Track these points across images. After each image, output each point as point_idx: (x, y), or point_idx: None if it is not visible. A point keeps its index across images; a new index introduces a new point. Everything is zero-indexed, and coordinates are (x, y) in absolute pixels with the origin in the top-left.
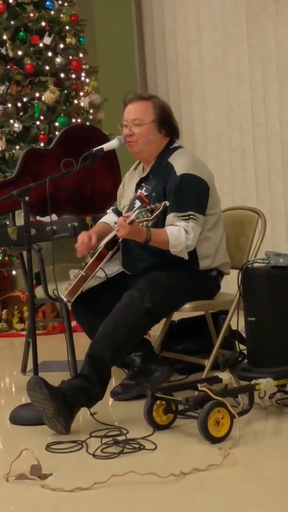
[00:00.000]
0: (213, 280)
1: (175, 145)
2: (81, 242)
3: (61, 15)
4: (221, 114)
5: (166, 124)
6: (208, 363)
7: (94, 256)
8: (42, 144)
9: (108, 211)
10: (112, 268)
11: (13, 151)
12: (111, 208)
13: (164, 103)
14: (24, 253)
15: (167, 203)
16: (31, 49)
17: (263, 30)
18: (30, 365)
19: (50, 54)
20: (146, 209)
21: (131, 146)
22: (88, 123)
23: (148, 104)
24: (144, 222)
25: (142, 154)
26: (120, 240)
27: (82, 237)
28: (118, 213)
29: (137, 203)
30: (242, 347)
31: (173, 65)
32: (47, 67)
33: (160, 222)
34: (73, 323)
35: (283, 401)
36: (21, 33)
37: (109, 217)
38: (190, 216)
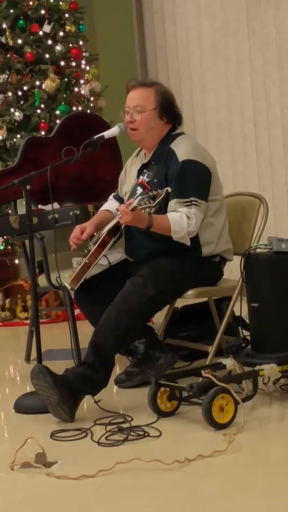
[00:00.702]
0: (216, 267)
1: (177, 131)
2: (72, 235)
3: (61, 3)
4: (221, 100)
5: (168, 111)
6: (211, 349)
7: (97, 244)
8: (43, 133)
9: (109, 198)
10: (115, 255)
11: (14, 139)
12: (113, 194)
13: (166, 90)
14: (27, 242)
15: (169, 189)
16: (31, 37)
17: (263, 15)
18: (34, 354)
19: (50, 42)
20: (148, 196)
21: (133, 135)
22: (88, 111)
23: (150, 91)
24: (147, 209)
25: (143, 142)
26: (122, 227)
27: (75, 230)
28: (120, 199)
29: (139, 190)
30: (246, 333)
31: (173, 51)
32: (47, 55)
33: (162, 208)
34: (77, 311)
35: (287, 386)
36: (20, 22)
37: (110, 204)
38: (192, 202)
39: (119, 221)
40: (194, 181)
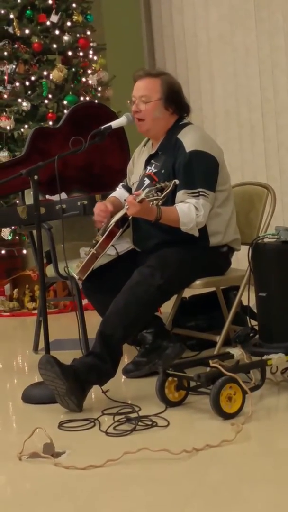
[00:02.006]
0: (223, 256)
1: (184, 121)
2: (99, 210)
3: None
4: (229, 89)
5: (174, 102)
6: (219, 339)
7: (105, 234)
8: (50, 123)
9: (118, 187)
10: (123, 245)
11: (22, 130)
12: (121, 184)
13: (173, 80)
14: (34, 232)
15: (177, 181)
16: (38, 27)
17: (270, 4)
18: (42, 344)
19: (57, 32)
20: (156, 188)
21: (140, 126)
22: (96, 101)
23: (156, 81)
24: (154, 201)
25: (150, 132)
26: (130, 218)
27: (99, 206)
28: (128, 189)
29: (147, 181)
30: (254, 322)
31: (181, 41)
32: (54, 46)
33: (169, 199)
34: (84, 301)
35: None
36: (28, 12)
37: (119, 192)
38: (200, 193)
39: (127, 213)
40: (201, 172)
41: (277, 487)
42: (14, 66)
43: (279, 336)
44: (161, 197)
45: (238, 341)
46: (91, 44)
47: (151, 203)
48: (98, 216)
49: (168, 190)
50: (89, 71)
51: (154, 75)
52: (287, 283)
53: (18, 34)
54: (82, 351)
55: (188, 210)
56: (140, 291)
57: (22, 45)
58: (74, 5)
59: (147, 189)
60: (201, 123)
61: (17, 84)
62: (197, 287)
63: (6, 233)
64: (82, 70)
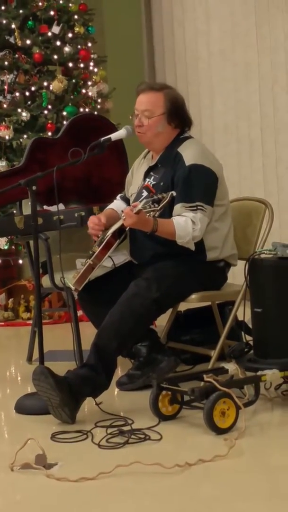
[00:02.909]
0: (220, 271)
1: (185, 135)
2: (93, 224)
3: (70, 4)
4: (229, 105)
5: (176, 117)
6: (214, 353)
7: (102, 245)
8: (49, 133)
9: (116, 198)
10: (119, 257)
11: (21, 140)
12: (119, 195)
13: (176, 95)
14: (31, 242)
15: (174, 193)
16: (40, 38)
17: (271, 20)
18: (36, 354)
19: (58, 43)
20: (153, 199)
21: (140, 137)
22: (96, 113)
23: (159, 96)
24: (151, 212)
25: (151, 145)
26: (127, 229)
27: (92, 220)
28: (126, 200)
29: (144, 193)
30: (248, 338)
31: (181, 55)
32: (55, 56)
33: (167, 212)
34: (79, 313)
35: None
36: (29, 22)
37: (117, 204)
38: (198, 207)
39: (123, 224)
40: (200, 185)
41: (270, 502)
42: (14, 76)
43: (274, 352)
44: (158, 208)
45: (233, 356)
46: (92, 55)
47: (147, 214)
48: (92, 230)
49: (165, 202)
50: (89, 83)
51: (158, 89)
52: (283, 299)
53: (19, 45)
54: (76, 363)
55: (185, 223)
56: (136, 304)
57: (23, 56)
58: (76, 16)
59: (144, 201)
60: (200, 137)
61: (17, 94)
62: (193, 301)
63: (3, 243)
64: (82, 82)
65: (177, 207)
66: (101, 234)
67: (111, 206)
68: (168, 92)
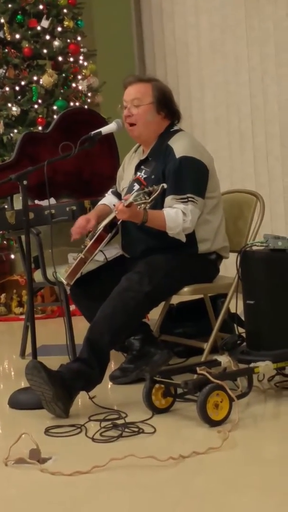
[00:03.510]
0: (212, 264)
1: (175, 128)
2: (77, 225)
3: None
4: (219, 97)
5: (165, 106)
6: (207, 346)
7: (93, 239)
8: (40, 128)
9: (107, 193)
10: (111, 251)
11: (11, 134)
12: (111, 190)
13: (164, 86)
14: (23, 237)
15: (165, 185)
16: (29, 32)
17: (261, 12)
18: (29, 349)
19: (48, 37)
20: (144, 192)
21: (131, 131)
22: (86, 107)
23: (148, 86)
24: (142, 205)
25: (141, 137)
26: (119, 223)
27: (79, 221)
28: (118, 195)
29: (136, 186)
30: (241, 330)
31: (171, 48)
32: (45, 51)
33: (159, 205)
34: (72, 307)
35: (282, 384)
36: (18, 16)
37: (108, 199)
38: (189, 199)
39: (116, 217)
40: (191, 177)
41: (263, 494)
42: (4, 71)
43: (266, 344)
44: (149, 200)
45: (226, 348)
46: (82, 49)
47: (138, 206)
48: (77, 229)
49: (156, 194)
50: (79, 77)
51: (145, 80)
52: (275, 291)
53: (9, 39)
54: (69, 357)
55: (175, 215)
56: (128, 297)
57: (12, 50)
58: (65, 10)
59: (135, 193)
60: (191, 130)
61: (7, 88)
62: (185, 294)
63: None
64: (72, 76)
65: (168, 199)
66: (87, 231)
67: (103, 201)
68: (156, 83)
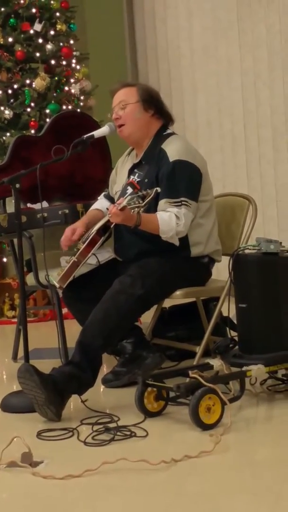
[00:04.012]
0: (204, 267)
1: (168, 131)
2: (64, 237)
3: (52, 2)
4: (211, 101)
5: (153, 104)
6: (199, 349)
7: (86, 242)
8: (33, 131)
9: (100, 197)
10: (104, 254)
11: (4, 138)
12: (103, 193)
13: (149, 87)
14: (15, 240)
15: (159, 189)
16: (22, 36)
17: (253, 16)
18: (21, 353)
19: (40, 41)
20: (138, 196)
21: (121, 131)
22: (79, 110)
23: (132, 88)
24: (136, 209)
25: (132, 137)
26: (112, 226)
27: (66, 232)
28: (110, 198)
29: (129, 190)
30: (233, 333)
31: (164, 51)
32: (37, 54)
33: (152, 208)
34: (64, 310)
35: (274, 387)
36: (11, 20)
37: (101, 203)
38: (183, 202)
39: (109, 220)
40: (184, 181)
41: (256, 498)
42: None
43: (259, 347)
44: (143, 204)
45: (218, 352)
46: (74, 53)
47: (132, 210)
48: (63, 241)
49: (149, 198)
50: (72, 80)
51: (130, 85)
52: (267, 294)
53: (1, 42)
54: (61, 360)
55: (169, 218)
56: (120, 301)
57: (5, 53)
58: (57, 14)
59: (128, 197)
60: (183, 133)
61: (0, 92)
62: (178, 297)
63: None
64: (65, 79)
65: (162, 203)
66: (86, 231)
67: (96, 206)
68: (141, 85)
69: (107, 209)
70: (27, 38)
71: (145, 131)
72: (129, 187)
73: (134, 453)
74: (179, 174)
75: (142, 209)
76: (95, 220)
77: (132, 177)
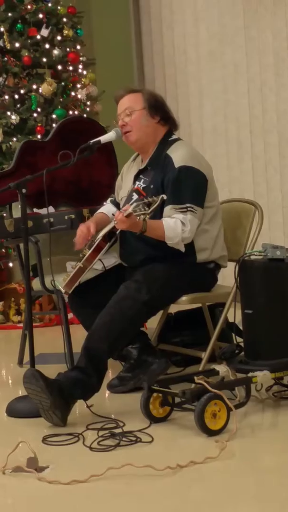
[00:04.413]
0: (210, 273)
1: (174, 137)
2: (79, 234)
3: (59, 7)
4: (218, 106)
5: (158, 110)
6: (205, 355)
7: (92, 248)
8: (39, 136)
9: (106, 202)
10: (110, 260)
11: (10, 143)
12: (109, 199)
13: (154, 93)
14: (21, 245)
15: (164, 196)
16: (29, 41)
17: (260, 22)
18: (26, 358)
19: (47, 46)
20: (144, 203)
21: (127, 137)
22: (85, 115)
23: (137, 94)
24: (142, 216)
25: (138, 144)
26: (117, 232)
27: (81, 228)
28: (116, 204)
29: (135, 196)
30: (239, 339)
31: (170, 57)
32: (44, 59)
33: (158, 214)
34: (70, 315)
35: (280, 393)
36: (18, 25)
37: (107, 207)
38: (188, 208)
39: (115, 227)
40: (190, 187)
41: (261, 504)
42: (3, 79)
43: (264, 353)
44: (149, 212)
45: (224, 357)
46: (81, 58)
47: (138, 217)
48: (79, 238)
49: (155, 205)
50: (79, 86)
51: (135, 91)
52: (273, 300)
53: (8, 48)
54: (67, 365)
55: (175, 225)
56: (126, 306)
57: (12, 58)
58: (64, 19)
59: (134, 204)
60: (189, 139)
61: (6, 97)
62: (183, 303)
63: None
64: (71, 85)
65: (167, 209)
66: (90, 238)
67: (102, 210)
68: (146, 90)
69: (113, 214)
70: (34, 44)
71: (151, 137)
72: (134, 194)
73: (140, 459)
74: (185, 180)
75: (147, 216)
76: (101, 223)
77: (137, 183)
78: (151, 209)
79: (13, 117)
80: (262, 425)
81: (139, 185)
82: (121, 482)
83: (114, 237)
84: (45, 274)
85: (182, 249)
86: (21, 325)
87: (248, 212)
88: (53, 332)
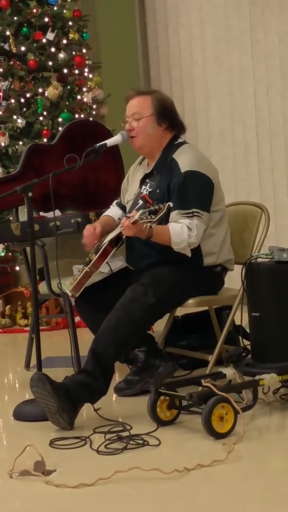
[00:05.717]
0: (217, 276)
1: (180, 140)
2: (87, 235)
3: (64, 11)
4: (224, 109)
5: (167, 117)
6: (212, 358)
7: (99, 253)
8: (45, 140)
9: (112, 204)
10: (116, 263)
11: (16, 146)
12: (115, 201)
13: (165, 97)
14: (28, 249)
15: (171, 204)
16: (34, 44)
17: (266, 25)
18: (33, 361)
19: (53, 49)
20: (150, 210)
21: (133, 142)
22: (91, 119)
23: (147, 98)
24: (148, 223)
25: (144, 149)
26: (124, 237)
27: (88, 229)
28: (122, 207)
29: (141, 202)
30: (246, 342)
31: (176, 60)
32: (50, 63)
33: (164, 219)
34: (77, 319)
35: (287, 396)
36: (24, 29)
37: (113, 210)
38: (194, 213)
39: (121, 233)
40: (196, 192)
41: (268, 507)
42: (9, 83)
43: (271, 356)
44: (155, 220)
45: (231, 360)
46: (87, 62)
47: (144, 225)
48: (87, 239)
49: (161, 213)
50: (84, 89)
51: (145, 93)
52: (280, 303)
53: (14, 51)
54: (74, 369)
55: (181, 230)
56: (133, 309)
57: (17, 62)
58: (70, 23)
59: (141, 211)
60: (195, 142)
61: (12, 100)
62: (190, 306)
63: None
64: (77, 88)
65: (173, 214)
66: (97, 241)
67: (108, 212)
68: (156, 95)
69: (119, 219)
70: (39, 47)
71: (157, 144)
72: (140, 200)
73: (147, 462)
74: (191, 185)
75: (154, 224)
76: (107, 226)
77: (143, 187)
78: (158, 217)
79: (19, 120)
80: (270, 428)
81: (145, 190)
82: (129, 486)
83: (121, 242)
84: (52, 277)
85: (189, 254)
86: (28, 328)
87: (254, 214)
88: (60, 336)
